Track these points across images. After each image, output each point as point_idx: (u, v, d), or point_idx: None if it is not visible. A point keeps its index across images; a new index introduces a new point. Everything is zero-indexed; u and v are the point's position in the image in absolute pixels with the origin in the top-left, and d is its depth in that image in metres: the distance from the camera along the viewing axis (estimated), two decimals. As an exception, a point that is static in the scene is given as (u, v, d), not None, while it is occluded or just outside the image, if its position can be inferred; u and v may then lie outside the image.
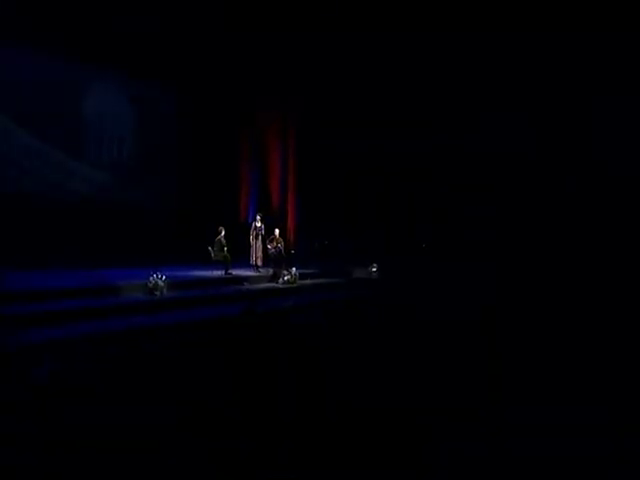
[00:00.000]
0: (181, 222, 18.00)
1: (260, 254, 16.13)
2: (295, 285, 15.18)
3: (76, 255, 14.42)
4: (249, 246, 16.21)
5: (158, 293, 11.79)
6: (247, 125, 19.70)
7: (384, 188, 19.77)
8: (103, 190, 17.20)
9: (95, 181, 17.20)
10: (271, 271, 15.72)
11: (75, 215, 15.78)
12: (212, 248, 14.96)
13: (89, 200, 16.65)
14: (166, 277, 12.02)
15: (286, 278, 15.36)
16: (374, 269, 17.81)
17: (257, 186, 19.89)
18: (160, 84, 18.26)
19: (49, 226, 14.64)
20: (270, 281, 15.29)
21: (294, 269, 15.61)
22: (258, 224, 16.28)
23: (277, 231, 16.35)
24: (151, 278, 11.86)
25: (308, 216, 19.95)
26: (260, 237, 16.14)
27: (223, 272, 14.75)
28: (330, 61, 18.42)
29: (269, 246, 16.09)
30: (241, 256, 16.06)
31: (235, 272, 15.04)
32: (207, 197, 18.70)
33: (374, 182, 19.73)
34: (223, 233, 15.12)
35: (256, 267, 16.10)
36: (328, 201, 19.78)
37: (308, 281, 15.91)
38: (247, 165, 19.91)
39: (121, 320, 9.64)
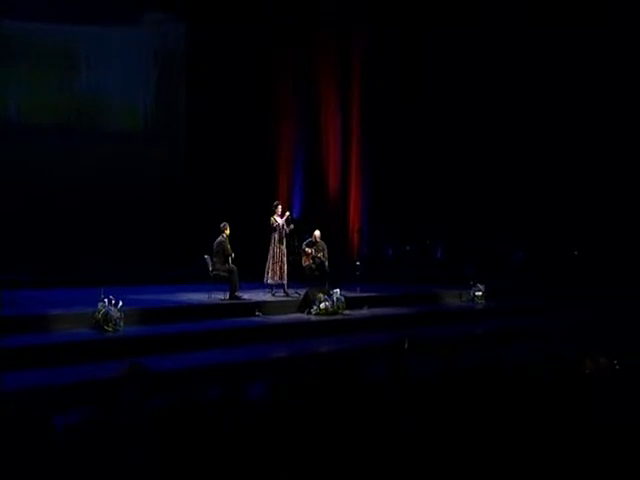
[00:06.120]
0: (185, 217, 13.82)
1: (284, 267, 11.39)
2: (338, 317, 10.64)
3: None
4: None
5: (110, 329, 9.21)
6: (285, 70, 14.44)
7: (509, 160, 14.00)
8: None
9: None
10: (302, 293, 11.09)
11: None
12: (211, 257, 10.97)
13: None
14: (123, 303, 9.19)
15: (322, 306, 10.50)
16: (479, 292, 12.43)
17: (303, 160, 14.53)
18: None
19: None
20: (299, 310, 10.94)
21: (337, 291, 10.76)
22: (279, 219, 11.33)
23: (317, 232, 11.63)
24: (100, 305, 9.21)
25: (381, 206, 14.59)
26: (285, 240, 11.34)
27: (226, 295, 10.87)
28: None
29: (304, 256, 11.43)
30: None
31: (247, 295, 11.12)
32: (228, 178, 13.90)
33: (493, 152, 14.00)
34: (227, 232, 10.93)
35: (272, 287, 11.54)
36: (414, 182, 14.33)
37: (364, 310, 11.31)
38: (288, 129, 14.50)
39: (35, 372, 7.44)
